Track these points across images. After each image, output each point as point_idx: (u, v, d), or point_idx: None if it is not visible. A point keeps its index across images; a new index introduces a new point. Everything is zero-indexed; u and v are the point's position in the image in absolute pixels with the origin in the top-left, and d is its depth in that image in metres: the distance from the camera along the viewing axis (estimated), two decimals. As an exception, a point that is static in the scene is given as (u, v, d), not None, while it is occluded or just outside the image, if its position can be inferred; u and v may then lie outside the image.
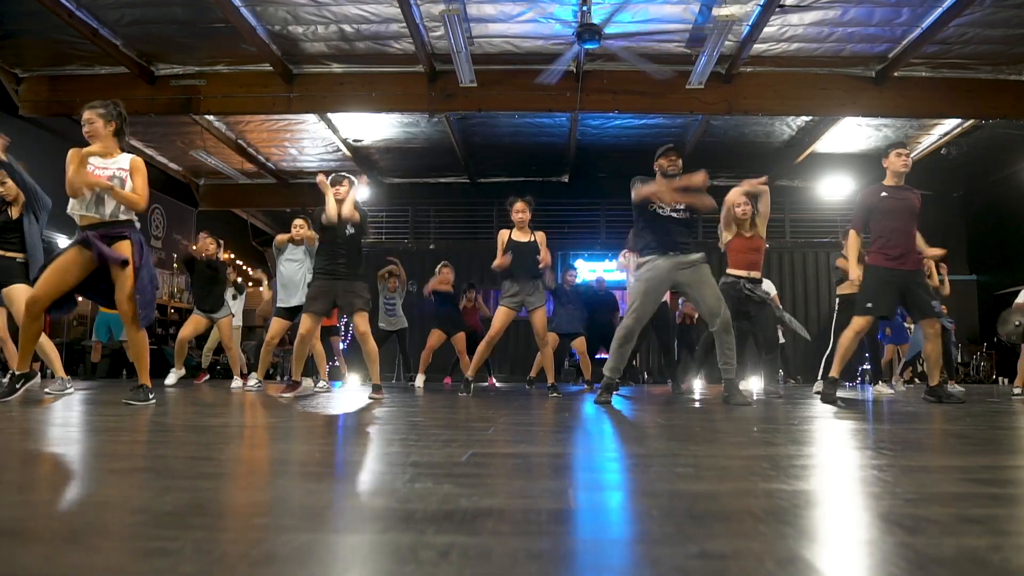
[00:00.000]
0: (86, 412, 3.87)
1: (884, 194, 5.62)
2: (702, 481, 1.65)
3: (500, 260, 6.71)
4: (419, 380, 9.50)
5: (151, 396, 4.43)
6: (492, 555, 0.98)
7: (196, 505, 1.32)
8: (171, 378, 8.07)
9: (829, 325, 8.23)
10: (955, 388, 8.57)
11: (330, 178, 6.12)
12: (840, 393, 5.61)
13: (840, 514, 1.28)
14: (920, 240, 5.67)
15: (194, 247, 8.77)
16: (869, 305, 5.40)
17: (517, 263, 6.73)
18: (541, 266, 6.81)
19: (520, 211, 6.85)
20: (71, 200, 4.33)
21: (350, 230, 6.02)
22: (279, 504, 1.34)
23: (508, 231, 6.92)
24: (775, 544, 1.03)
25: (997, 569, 0.93)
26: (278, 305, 7.65)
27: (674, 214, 5.40)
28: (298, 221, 7.71)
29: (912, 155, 13.40)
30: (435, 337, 9.83)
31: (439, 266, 9.96)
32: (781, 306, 9.94)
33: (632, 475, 1.76)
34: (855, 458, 2.11)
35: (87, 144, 4.34)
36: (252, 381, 7.85)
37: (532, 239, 6.83)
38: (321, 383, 7.83)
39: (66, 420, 3.34)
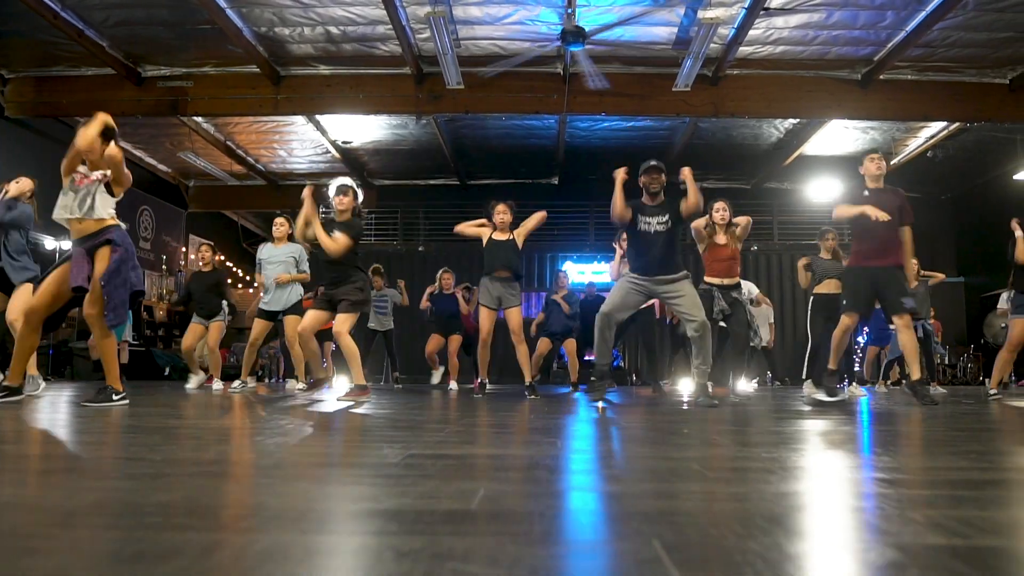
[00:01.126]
0: (44, 412, 3.88)
1: (866, 193, 5.70)
2: (619, 483, 1.66)
3: (467, 227, 7.01)
4: (452, 384, 9.36)
5: (115, 397, 4.39)
6: (362, 554, 0.99)
7: (99, 504, 1.32)
8: (192, 383, 8.10)
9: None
10: (936, 390, 8.65)
11: (335, 187, 5.87)
12: (819, 395, 5.67)
13: (706, 515, 1.28)
14: (908, 245, 5.66)
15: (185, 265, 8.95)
16: (845, 302, 5.65)
17: (494, 260, 6.85)
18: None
19: (502, 212, 6.94)
20: (57, 208, 4.38)
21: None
22: (182, 503, 1.35)
23: (488, 231, 7.00)
24: (643, 546, 1.04)
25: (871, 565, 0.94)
26: (259, 307, 7.67)
27: (659, 227, 5.54)
28: (278, 220, 7.69)
29: (899, 158, 13.60)
30: (434, 342, 9.73)
31: (440, 272, 9.87)
32: (769, 302, 10.02)
33: (552, 477, 1.77)
34: (786, 459, 2.12)
35: (73, 147, 4.39)
36: (236, 383, 7.82)
37: (511, 238, 6.91)
38: (300, 384, 7.81)
39: (17, 419, 3.34)
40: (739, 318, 6.53)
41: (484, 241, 6.93)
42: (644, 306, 6.41)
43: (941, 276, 9.62)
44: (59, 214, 4.39)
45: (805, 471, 1.87)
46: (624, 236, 6.74)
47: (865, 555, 1.01)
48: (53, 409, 4.18)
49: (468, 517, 1.23)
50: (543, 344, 9.50)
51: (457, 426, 3.30)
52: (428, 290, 9.83)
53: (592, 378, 5.73)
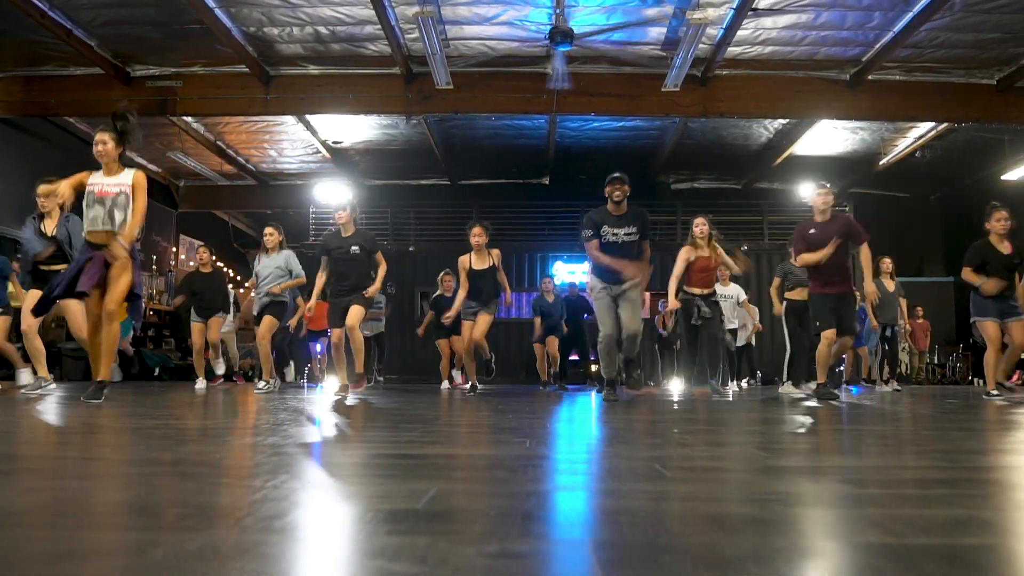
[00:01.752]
0: (23, 411, 3.87)
1: (812, 231, 6.22)
2: (574, 483, 1.67)
3: (462, 296, 7.34)
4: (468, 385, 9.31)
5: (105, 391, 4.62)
6: (291, 553, 1.00)
7: (46, 505, 1.33)
8: (199, 384, 8.36)
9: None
10: (885, 388, 9.24)
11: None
12: (797, 394, 5.92)
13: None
14: (866, 263, 6.37)
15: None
16: (819, 323, 6.16)
17: (476, 289, 7.29)
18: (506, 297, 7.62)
19: (477, 235, 7.28)
20: (87, 222, 4.77)
21: (355, 251, 6.39)
22: (129, 503, 1.35)
23: (468, 257, 7.34)
24: (575, 547, 1.05)
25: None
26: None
27: (626, 237, 5.79)
28: (269, 229, 7.72)
29: (888, 158, 13.61)
30: (445, 345, 9.66)
31: (441, 275, 9.80)
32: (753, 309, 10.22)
33: (511, 477, 1.77)
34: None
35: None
36: (261, 384, 7.68)
37: (490, 264, 7.30)
38: (262, 383, 7.55)
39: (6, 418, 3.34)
40: (714, 321, 6.96)
41: (465, 271, 7.28)
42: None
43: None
44: (92, 227, 4.71)
45: (764, 471, 1.88)
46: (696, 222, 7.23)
47: (793, 554, 1.02)
48: (32, 409, 4.18)
49: (411, 517, 1.24)
50: (538, 350, 9.76)
51: (432, 425, 3.30)
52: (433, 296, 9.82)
53: (604, 389, 6.02)
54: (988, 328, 6.58)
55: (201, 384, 8.37)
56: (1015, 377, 10.74)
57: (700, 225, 7.10)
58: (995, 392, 6.58)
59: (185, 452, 2.23)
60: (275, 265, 7.49)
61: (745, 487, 1.61)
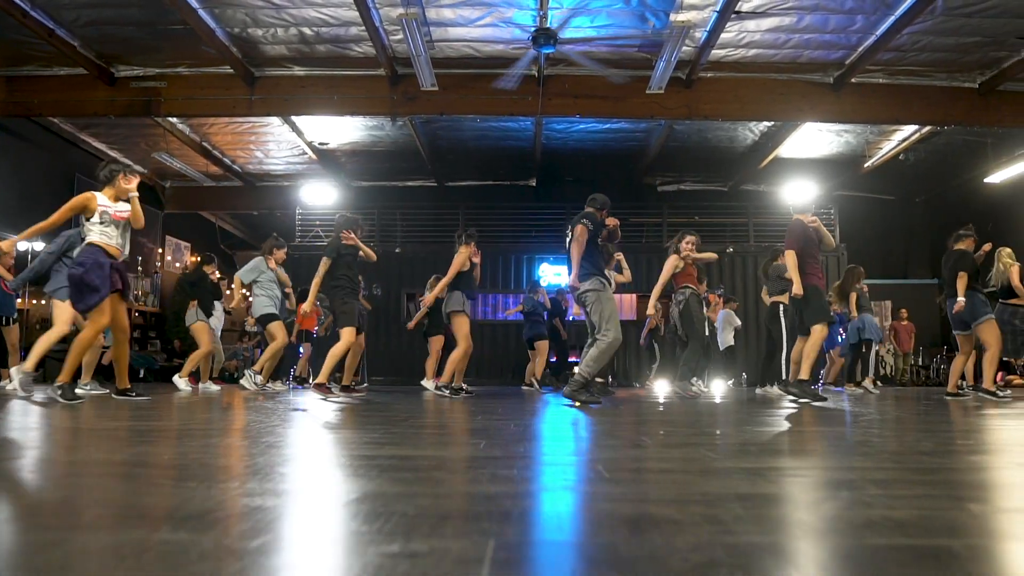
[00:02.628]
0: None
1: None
2: (508, 484, 1.68)
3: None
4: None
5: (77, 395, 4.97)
6: (203, 552, 1.01)
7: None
8: (181, 384, 8.49)
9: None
10: (855, 389, 9.50)
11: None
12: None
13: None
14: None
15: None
16: (820, 316, 6.30)
17: (472, 283, 7.81)
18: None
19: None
20: (106, 238, 5.28)
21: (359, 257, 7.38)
22: (55, 504, 1.36)
23: (467, 251, 7.76)
24: (475, 546, 1.06)
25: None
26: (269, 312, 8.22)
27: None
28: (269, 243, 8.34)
29: (872, 160, 13.69)
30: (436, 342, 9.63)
31: (430, 280, 9.75)
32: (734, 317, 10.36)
33: (449, 477, 1.78)
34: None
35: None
36: (279, 386, 8.21)
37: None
38: (253, 382, 8.03)
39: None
40: (697, 320, 7.09)
41: (466, 265, 7.68)
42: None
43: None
44: (109, 242, 5.26)
45: (705, 472, 1.89)
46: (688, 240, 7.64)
47: (692, 554, 1.03)
48: (7, 411, 4.17)
49: (327, 517, 1.25)
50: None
51: (398, 427, 3.31)
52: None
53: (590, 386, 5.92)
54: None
55: (182, 384, 8.43)
56: (999, 376, 10.75)
57: (691, 244, 7.55)
58: (1002, 393, 6.87)
59: (138, 453, 2.24)
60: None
61: (677, 488, 1.62)
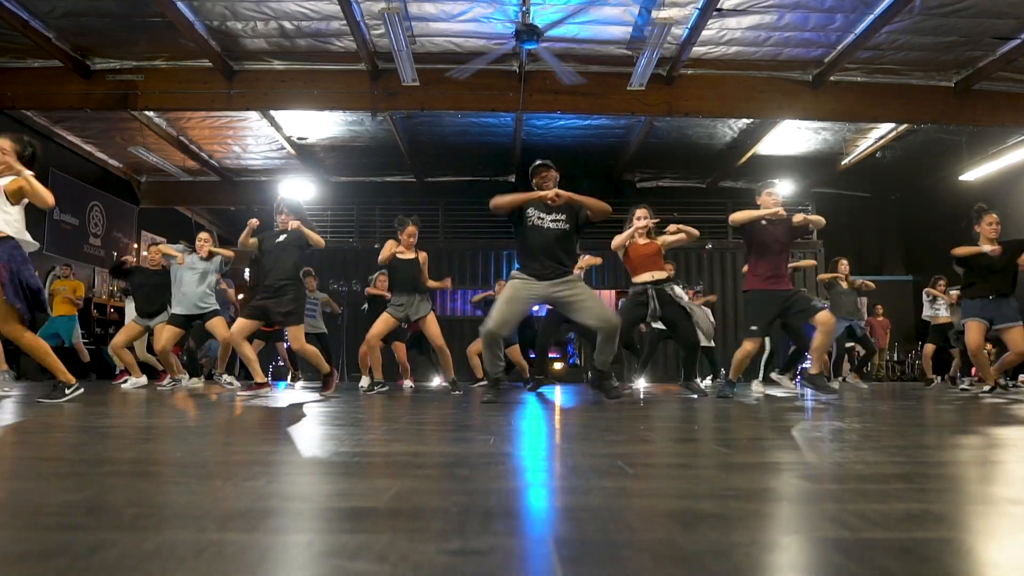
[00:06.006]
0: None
1: (763, 222, 5.94)
2: (536, 480, 1.67)
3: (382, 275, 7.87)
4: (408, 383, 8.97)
5: (68, 391, 4.58)
6: (250, 551, 0.99)
7: (-1, 506, 1.30)
8: (165, 382, 8.32)
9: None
10: (833, 383, 9.33)
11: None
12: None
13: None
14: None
15: (129, 257, 9.21)
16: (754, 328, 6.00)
17: (399, 278, 7.25)
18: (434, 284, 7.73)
19: (411, 235, 7.30)
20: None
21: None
22: (84, 503, 1.33)
23: (396, 243, 7.28)
24: (536, 543, 1.05)
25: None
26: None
27: (553, 225, 5.21)
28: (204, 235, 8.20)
29: (849, 158, 13.83)
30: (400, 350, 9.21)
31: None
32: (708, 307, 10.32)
33: (472, 474, 1.77)
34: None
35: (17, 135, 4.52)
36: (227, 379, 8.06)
37: (414, 257, 7.28)
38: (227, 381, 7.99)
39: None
40: (679, 315, 6.33)
41: (389, 253, 7.15)
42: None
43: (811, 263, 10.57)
44: None
45: (725, 467, 1.90)
46: (636, 215, 6.63)
47: (752, 548, 1.03)
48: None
49: (372, 515, 1.23)
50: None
51: (397, 424, 3.29)
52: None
53: (487, 384, 5.52)
54: (972, 328, 6.57)
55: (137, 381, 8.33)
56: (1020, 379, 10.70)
57: (644, 218, 6.57)
58: (1013, 384, 6.80)
59: (142, 451, 2.20)
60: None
61: (705, 483, 1.62)
